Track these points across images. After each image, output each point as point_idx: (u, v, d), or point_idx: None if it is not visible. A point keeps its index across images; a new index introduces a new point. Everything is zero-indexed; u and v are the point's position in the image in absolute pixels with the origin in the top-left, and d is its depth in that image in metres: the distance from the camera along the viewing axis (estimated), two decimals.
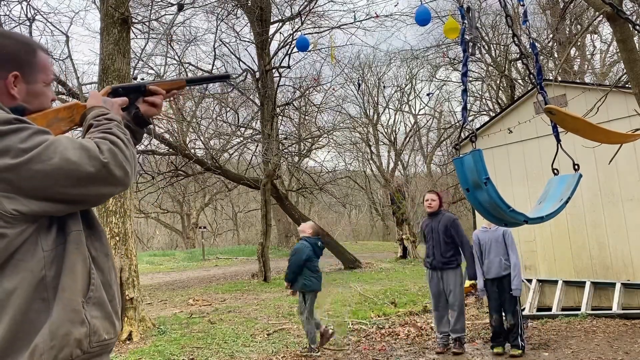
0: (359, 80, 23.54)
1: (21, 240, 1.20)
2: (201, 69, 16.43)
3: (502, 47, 18.92)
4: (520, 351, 5.42)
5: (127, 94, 1.64)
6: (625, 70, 6.96)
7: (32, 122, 1.29)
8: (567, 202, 2.82)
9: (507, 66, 18.71)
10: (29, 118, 1.31)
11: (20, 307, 1.19)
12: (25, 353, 1.17)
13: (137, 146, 1.67)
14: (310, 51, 14.53)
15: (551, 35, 17.30)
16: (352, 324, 7.42)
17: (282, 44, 15.26)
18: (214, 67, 15.33)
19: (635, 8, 12.47)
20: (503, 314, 5.62)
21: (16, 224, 1.19)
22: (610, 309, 6.91)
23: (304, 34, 12.16)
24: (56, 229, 1.28)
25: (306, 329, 6.01)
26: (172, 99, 15.38)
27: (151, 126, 13.06)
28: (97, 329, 1.29)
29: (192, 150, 14.58)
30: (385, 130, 27.56)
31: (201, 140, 15.44)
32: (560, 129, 3.17)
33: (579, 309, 7.12)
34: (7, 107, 1.33)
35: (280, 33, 15.99)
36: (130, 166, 1.31)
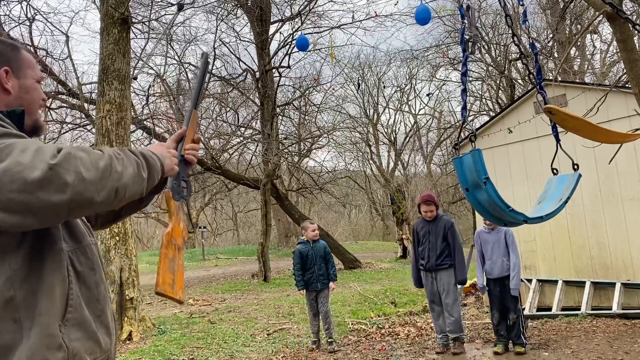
0: (358, 80, 23.56)
1: None
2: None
3: (502, 47, 18.92)
4: (524, 348, 5.46)
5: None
6: (625, 70, 6.96)
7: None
8: (566, 202, 2.82)
9: (507, 66, 18.71)
10: None
11: None
12: None
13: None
14: (310, 51, 14.54)
15: (551, 35, 17.30)
16: (352, 324, 7.42)
17: (282, 43, 15.26)
18: (214, 67, 15.33)
19: (635, 8, 12.48)
20: (506, 313, 5.65)
21: None
22: (610, 309, 6.91)
23: (304, 34, 12.15)
24: (29, 246, 1.20)
25: (326, 326, 6.16)
26: (172, 99, 15.37)
27: (151, 126, 13.06)
28: (78, 351, 1.23)
29: None
30: (385, 130, 27.60)
31: (201, 140, 15.42)
32: (560, 129, 3.16)
33: (579, 309, 7.12)
34: (2, 105, 1.32)
35: (280, 33, 16.01)
36: (95, 176, 1.13)
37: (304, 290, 6.24)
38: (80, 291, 1.29)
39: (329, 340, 6.12)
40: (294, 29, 15.16)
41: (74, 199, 1.10)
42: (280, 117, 17.40)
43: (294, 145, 19.10)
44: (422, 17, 7.33)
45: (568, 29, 16.68)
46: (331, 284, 6.34)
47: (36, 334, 1.16)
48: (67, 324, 1.22)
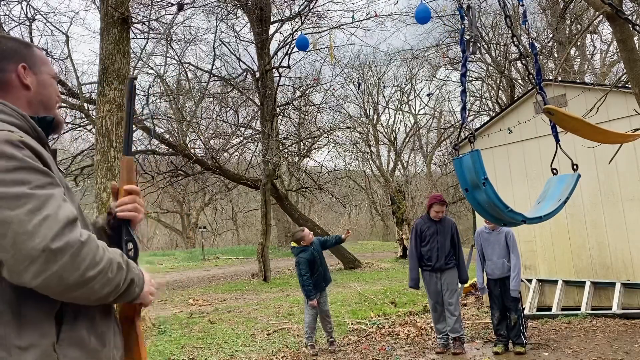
0: (358, 80, 23.55)
1: None
2: (201, 69, 16.43)
3: (502, 47, 18.92)
4: (524, 348, 5.47)
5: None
6: (625, 70, 6.96)
7: None
8: (565, 202, 2.83)
9: (506, 66, 18.71)
10: None
11: None
12: None
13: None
14: (310, 51, 14.54)
15: (551, 35, 17.30)
16: (352, 324, 7.43)
17: (281, 43, 15.27)
18: (214, 67, 15.34)
19: (635, 8, 12.48)
20: (507, 313, 5.65)
21: None
22: (610, 309, 6.91)
23: (304, 34, 12.15)
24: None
25: (328, 326, 6.15)
26: (172, 99, 15.36)
27: (151, 127, 13.05)
28: None
29: (192, 150, 14.58)
30: (385, 130, 27.55)
31: (201, 140, 15.44)
32: (559, 129, 3.17)
33: (579, 309, 7.12)
34: (25, 102, 1.33)
35: (280, 33, 16.02)
36: (74, 282, 1.12)
37: (316, 301, 5.94)
38: (79, 308, 1.26)
39: (330, 339, 6.12)
40: (293, 29, 15.17)
41: (39, 287, 1.11)
42: (280, 117, 17.39)
43: (294, 145, 19.11)
44: (422, 16, 7.33)
45: (568, 29, 16.67)
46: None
47: (30, 355, 1.13)
48: (63, 343, 1.20)
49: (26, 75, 1.36)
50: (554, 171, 3.07)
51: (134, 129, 12.80)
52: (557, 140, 3.14)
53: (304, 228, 6.45)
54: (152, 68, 15.05)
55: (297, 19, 15.17)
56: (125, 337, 1.45)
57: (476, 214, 8.54)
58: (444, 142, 26.04)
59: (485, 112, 22.13)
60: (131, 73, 8.48)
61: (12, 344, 1.13)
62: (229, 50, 16.93)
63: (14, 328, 1.14)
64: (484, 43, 18.09)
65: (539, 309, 7.68)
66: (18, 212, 1.08)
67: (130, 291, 1.30)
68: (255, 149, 17.34)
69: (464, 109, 2.95)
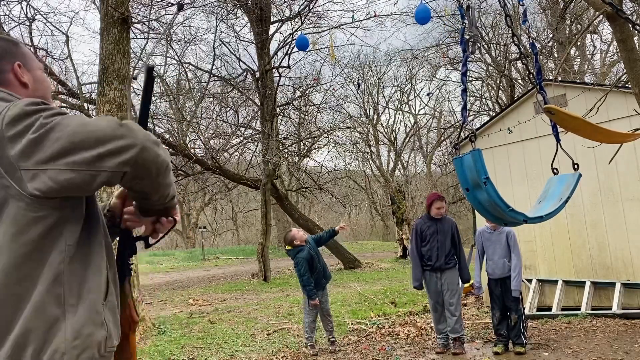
0: (358, 80, 23.54)
1: (42, 228, 1.17)
2: (201, 69, 16.43)
3: (502, 46, 18.92)
4: (524, 348, 5.46)
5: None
6: (625, 70, 6.96)
7: None
8: (566, 201, 2.83)
9: (507, 66, 18.70)
10: None
11: (34, 298, 1.16)
12: (31, 347, 1.14)
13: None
14: (309, 51, 14.54)
15: (551, 35, 17.30)
16: (352, 324, 7.42)
17: (281, 43, 15.27)
18: (214, 67, 15.34)
19: (635, 8, 12.48)
20: (507, 313, 5.65)
21: (37, 209, 1.16)
22: (610, 309, 6.91)
23: (304, 34, 12.15)
24: (82, 227, 1.25)
25: (329, 325, 6.15)
26: (172, 99, 15.36)
27: (151, 126, 13.05)
28: (112, 333, 1.28)
29: (192, 150, 14.58)
30: (385, 130, 27.55)
31: (201, 140, 15.45)
32: (560, 129, 3.17)
33: (579, 309, 7.12)
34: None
35: (280, 33, 16.03)
36: (155, 153, 1.20)
37: (318, 300, 5.93)
38: (114, 278, 1.37)
39: (332, 339, 6.11)
40: (293, 29, 15.17)
41: (143, 150, 1.16)
42: (280, 117, 17.40)
43: (294, 145, 19.10)
44: (422, 16, 7.33)
45: (568, 29, 16.67)
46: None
47: (84, 309, 1.21)
48: (107, 305, 1.28)
49: (23, 73, 1.39)
50: (555, 171, 3.07)
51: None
52: (558, 140, 3.14)
53: (291, 229, 6.45)
54: None
55: (297, 19, 15.17)
56: (116, 355, 1.44)
57: (476, 213, 8.54)
58: (444, 142, 26.05)
59: (485, 112, 22.13)
60: (131, 73, 8.47)
61: (68, 302, 1.20)
62: (229, 50, 16.99)
63: (69, 282, 1.20)
64: (484, 43, 18.09)
65: (539, 309, 7.67)
66: (74, 124, 1.14)
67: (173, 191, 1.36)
68: (255, 149, 17.36)
69: (464, 108, 2.95)
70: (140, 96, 1.49)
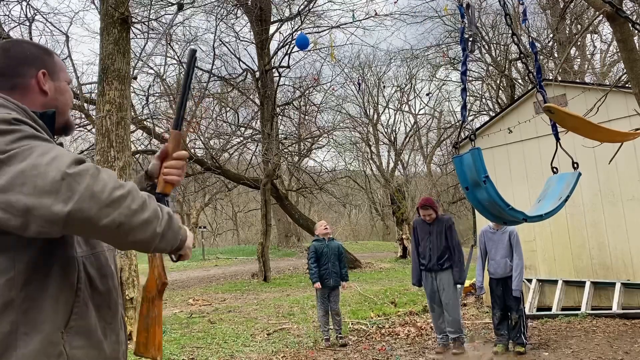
0: (359, 80, 23.54)
1: None
2: (201, 69, 16.42)
3: (502, 46, 18.92)
4: (524, 348, 5.46)
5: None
6: (625, 70, 6.95)
7: None
8: (566, 200, 2.82)
9: (507, 66, 18.70)
10: None
11: None
12: None
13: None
14: (310, 50, 14.55)
15: (551, 35, 17.30)
16: (352, 324, 7.42)
17: (281, 43, 15.27)
18: (214, 67, 15.33)
19: (635, 8, 12.47)
20: (508, 312, 5.65)
21: None
22: (610, 309, 6.91)
23: (304, 33, 12.15)
24: (38, 249, 1.17)
25: (337, 325, 6.41)
26: (172, 98, 15.36)
27: (151, 126, 13.05)
28: (78, 359, 1.21)
29: (192, 150, 14.58)
30: (385, 130, 27.54)
31: (201, 140, 15.44)
32: (560, 128, 3.16)
33: (579, 309, 7.11)
34: (39, 106, 1.37)
35: (280, 33, 16.02)
36: (105, 200, 1.08)
37: (319, 284, 6.36)
38: (90, 298, 1.27)
39: (340, 335, 6.33)
40: (293, 29, 15.17)
41: (73, 215, 1.06)
42: (280, 117, 17.39)
43: (294, 145, 19.10)
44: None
45: (568, 29, 16.67)
46: (343, 284, 6.56)
47: (36, 340, 1.14)
48: (70, 331, 1.20)
49: (45, 81, 1.40)
50: (555, 170, 3.07)
51: (135, 128, 12.85)
52: (558, 139, 3.14)
53: (322, 221, 7.10)
54: (152, 68, 15.06)
55: (297, 19, 15.17)
56: (143, 318, 1.46)
57: (477, 213, 8.54)
58: (444, 142, 26.03)
59: (485, 112, 22.11)
60: (131, 73, 8.47)
61: (20, 331, 1.13)
62: (229, 50, 16.89)
63: (23, 310, 1.14)
64: (484, 43, 18.09)
65: (539, 309, 7.67)
66: (28, 161, 1.08)
67: (174, 227, 1.27)
68: (255, 149, 17.35)
69: (464, 107, 2.95)
70: (182, 82, 1.53)
